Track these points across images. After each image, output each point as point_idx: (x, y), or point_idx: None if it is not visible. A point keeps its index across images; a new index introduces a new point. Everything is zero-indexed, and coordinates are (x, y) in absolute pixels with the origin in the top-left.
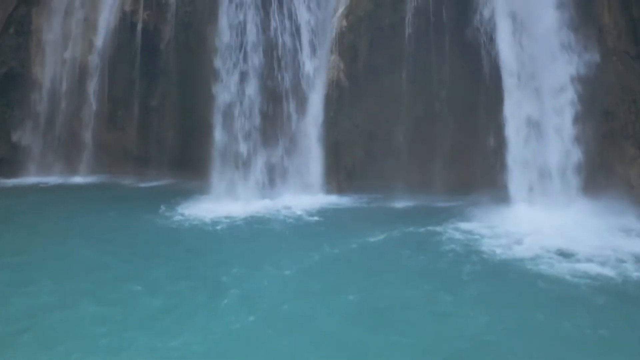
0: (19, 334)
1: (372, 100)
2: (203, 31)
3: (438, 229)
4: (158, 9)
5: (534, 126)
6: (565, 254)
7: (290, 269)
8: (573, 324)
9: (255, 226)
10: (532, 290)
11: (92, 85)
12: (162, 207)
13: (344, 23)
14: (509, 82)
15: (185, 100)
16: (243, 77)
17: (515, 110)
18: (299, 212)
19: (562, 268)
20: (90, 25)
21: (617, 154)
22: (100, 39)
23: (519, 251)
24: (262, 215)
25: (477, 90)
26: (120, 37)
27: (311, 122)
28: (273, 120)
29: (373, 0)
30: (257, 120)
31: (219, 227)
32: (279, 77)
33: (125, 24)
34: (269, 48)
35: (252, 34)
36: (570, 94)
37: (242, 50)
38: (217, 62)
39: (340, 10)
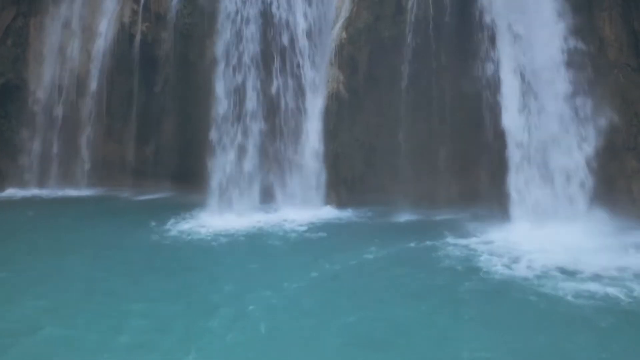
0: (3, 351)
1: (372, 112)
2: (202, 43)
3: (438, 244)
4: (157, 20)
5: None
6: (568, 273)
7: (288, 287)
8: (577, 347)
9: (254, 242)
10: (534, 311)
11: (90, 97)
12: (159, 222)
13: (344, 35)
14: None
15: (183, 112)
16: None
17: (517, 122)
18: (297, 227)
19: (566, 288)
20: (88, 37)
21: (619, 167)
22: (98, 51)
23: (521, 269)
24: (261, 230)
25: (479, 102)
26: (118, 49)
27: (311, 135)
28: (272, 132)
29: (373, 12)
30: (256, 132)
31: (216, 243)
32: (278, 86)
33: (123, 35)
34: (268, 58)
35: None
36: (572, 107)
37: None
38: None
39: (340, 22)
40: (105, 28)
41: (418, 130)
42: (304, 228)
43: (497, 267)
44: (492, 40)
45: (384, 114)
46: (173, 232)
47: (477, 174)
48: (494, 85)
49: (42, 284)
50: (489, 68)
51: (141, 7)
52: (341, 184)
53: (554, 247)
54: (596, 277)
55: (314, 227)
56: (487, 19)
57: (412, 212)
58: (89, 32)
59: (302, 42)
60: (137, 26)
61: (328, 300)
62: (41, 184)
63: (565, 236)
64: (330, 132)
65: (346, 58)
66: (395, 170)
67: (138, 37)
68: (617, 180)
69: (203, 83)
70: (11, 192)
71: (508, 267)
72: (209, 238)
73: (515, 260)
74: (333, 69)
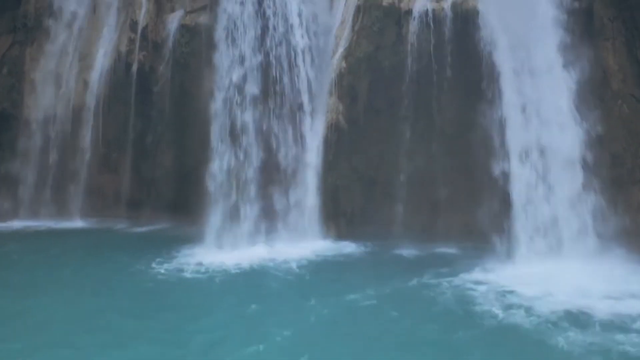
0: None
1: (372, 143)
2: (200, 72)
3: (436, 283)
4: (154, 49)
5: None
6: (578, 321)
7: (281, 333)
8: None
9: (249, 281)
10: None
11: (86, 127)
12: (153, 256)
13: (343, 65)
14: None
15: (180, 142)
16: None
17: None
18: (294, 263)
19: (572, 339)
20: (85, 66)
21: (626, 200)
22: (94, 80)
23: (522, 316)
24: (256, 266)
25: (481, 134)
26: (115, 78)
27: (309, 166)
28: (270, 164)
29: (373, 41)
30: (254, 165)
31: (210, 282)
32: (276, 118)
33: (120, 64)
34: (266, 88)
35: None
36: (575, 139)
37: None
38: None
39: (340, 51)
40: (102, 57)
41: (419, 162)
42: (301, 264)
43: (497, 312)
44: (494, 71)
45: (384, 145)
46: (166, 268)
47: (479, 207)
48: (497, 117)
49: (14, 325)
50: (492, 100)
51: (139, 35)
52: (340, 216)
53: (558, 289)
54: (609, 325)
55: (312, 264)
56: (488, 50)
57: (412, 246)
58: (85, 61)
59: (302, 71)
60: (134, 55)
61: (319, 349)
62: (34, 215)
63: (570, 276)
64: (329, 164)
65: (346, 88)
66: (395, 203)
67: (135, 66)
68: (623, 215)
69: (200, 113)
70: (2, 224)
71: (509, 312)
72: (203, 276)
73: (517, 304)
74: (332, 99)
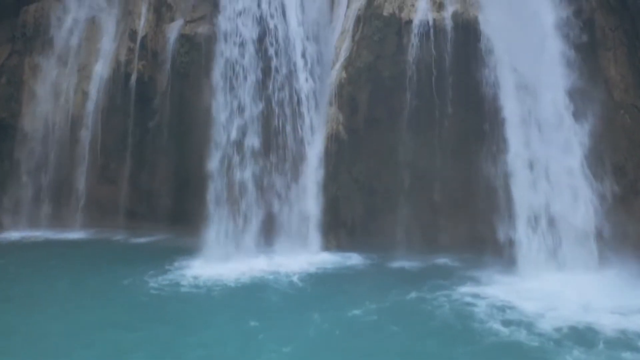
0: None
1: (372, 153)
2: (199, 82)
3: (437, 297)
4: (153, 59)
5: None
6: (583, 338)
7: (279, 349)
8: None
9: (248, 294)
10: None
11: (84, 137)
12: (151, 268)
13: (344, 75)
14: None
15: (179, 152)
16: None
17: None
18: (294, 275)
19: (581, 358)
20: (84, 75)
21: (628, 212)
22: (93, 90)
23: (523, 332)
24: (256, 278)
25: (483, 144)
26: (113, 88)
27: (309, 177)
28: (270, 175)
29: (373, 51)
30: (253, 175)
31: (208, 296)
32: (276, 128)
33: (119, 74)
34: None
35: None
36: (578, 150)
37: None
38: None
39: (340, 62)
40: (101, 67)
41: (420, 172)
42: (301, 277)
43: (498, 328)
44: (496, 81)
45: (384, 156)
46: (163, 281)
47: (482, 218)
48: (498, 127)
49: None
50: (493, 110)
51: (138, 45)
52: (340, 227)
53: (562, 304)
54: (613, 345)
55: (312, 277)
56: (490, 60)
57: (413, 257)
58: (84, 71)
59: (302, 83)
60: (134, 65)
61: None
62: (32, 225)
63: (574, 290)
64: (330, 174)
65: (346, 98)
66: (396, 213)
67: (134, 76)
68: (626, 226)
69: (199, 122)
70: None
71: (510, 327)
72: (201, 289)
73: (519, 320)
74: (332, 110)
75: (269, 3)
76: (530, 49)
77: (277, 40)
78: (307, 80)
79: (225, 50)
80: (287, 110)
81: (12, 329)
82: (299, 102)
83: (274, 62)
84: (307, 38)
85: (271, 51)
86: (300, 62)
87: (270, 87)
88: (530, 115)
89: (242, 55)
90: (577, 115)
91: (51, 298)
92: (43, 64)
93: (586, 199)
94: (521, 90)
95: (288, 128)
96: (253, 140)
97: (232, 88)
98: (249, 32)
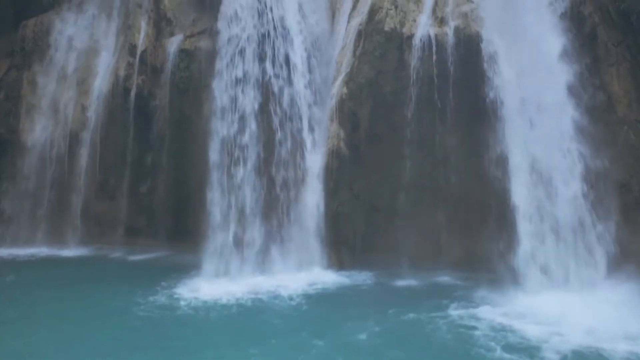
0: None
1: (373, 169)
2: (199, 97)
3: (438, 317)
4: (153, 73)
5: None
6: None
7: None
8: None
9: (245, 314)
10: None
11: (83, 152)
12: (149, 287)
13: (345, 90)
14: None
15: (179, 168)
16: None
17: (526, 185)
18: (295, 295)
19: None
20: (82, 90)
21: (634, 229)
22: (92, 105)
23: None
24: (256, 299)
25: (485, 160)
26: (113, 103)
27: (310, 194)
28: (270, 192)
29: (374, 67)
30: (253, 191)
31: (205, 315)
32: (277, 143)
33: (118, 89)
34: (265, 113)
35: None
36: (582, 166)
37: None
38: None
39: (341, 77)
40: (100, 81)
41: (422, 188)
42: (302, 298)
43: (500, 355)
44: (498, 96)
45: (386, 172)
46: (161, 301)
47: (484, 235)
48: (501, 142)
49: None
50: (496, 126)
51: (137, 60)
52: (342, 244)
53: (567, 328)
54: None
55: (313, 297)
56: (492, 75)
57: (414, 275)
58: (83, 86)
59: (302, 99)
60: (133, 79)
61: None
62: (30, 241)
63: (579, 312)
64: (331, 191)
65: (347, 114)
66: (398, 230)
67: (133, 91)
68: (632, 243)
69: (199, 137)
70: None
71: (513, 354)
72: (199, 310)
73: (521, 345)
74: (333, 125)
75: (269, 19)
76: (532, 64)
77: (277, 58)
78: (307, 96)
79: (225, 66)
80: (288, 126)
81: (5, 351)
82: (299, 118)
83: (274, 81)
84: (308, 55)
85: (270, 70)
86: (300, 78)
87: (271, 104)
88: (533, 131)
89: (241, 78)
90: (581, 131)
91: (45, 319)
92: (42, 78)
93: (591, 216)
94: (523, 105)
95: (289, 144)
96: (253, 156)
97: (232, 104)
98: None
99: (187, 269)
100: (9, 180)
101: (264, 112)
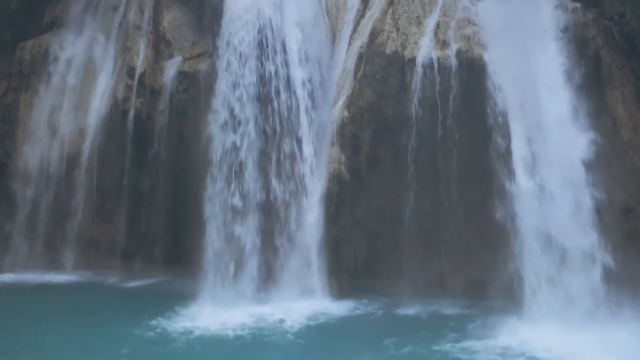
0: None
1: (375, 194)
2: (198, 120)
3: (441, 350)
4: (151, 96)
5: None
6: None
7: None
8: None
9: (245, 348)
10: None
11: (80, 175)
12: (144, 317)
13: (345, 114)
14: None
15: (177, 191)
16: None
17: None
18: (295, 326)
19: None
20: (80, 112)
21: (639, 256)
22: (90, 127)
23: None
24: (255, 329)
25: (489, 186)
26: (110, 125)
27: (310, 219)
28: (269, 217)
29: (376, 90)
30: (252, 217)
31: (201, 351)
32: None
33: (116, 111)
34: (265, 144)
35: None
36: (587, 192)
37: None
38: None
39: (341, 100)
40: (98, 104)
41: (424, 214)
42: (303, 328)
43: None
44: (503, 120)
45: (388, 196)
46: (156, 333)
47: (489, 262)
48: (506, 167)
49: None
50: (500, 150)
51: (136, 82)
52: (343, 271)
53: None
54: None
55: (314, 328)
56: (496, 99)
57: (417, 303)
58: (81, 109)
59: (302, 122)
60: (131, 102)
61: None
62: (26, 266)
63: (588, 341)
64: (331, 216)
65: (348, 138)
66: (400, 257)
67: (132, 113)
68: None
69: (198, 161)
70: None
71: None
72: (195, 344)
73: None
74: (334, 149)
75: (269, 41)
76: (535, 87)
77: (278, 81)
78: (308, 119)
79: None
80: (287, 150)
81: None
82: (299, 142)
83: (273, 105)
84: (309, 78)
85: (271, 94)
86: (301, 100)
87: (270, 127)
88: (539, 155)
89: (241, 102)
90: (586, 155)
91: (35, 351)
92: (39, 100)
93: (596, 243)
94: (528, 128)
95: (288, 168)
96: (252, 181)
97: (231, 127)
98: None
99: (184, 296)
100: (5, 203)
101: (263, 135)
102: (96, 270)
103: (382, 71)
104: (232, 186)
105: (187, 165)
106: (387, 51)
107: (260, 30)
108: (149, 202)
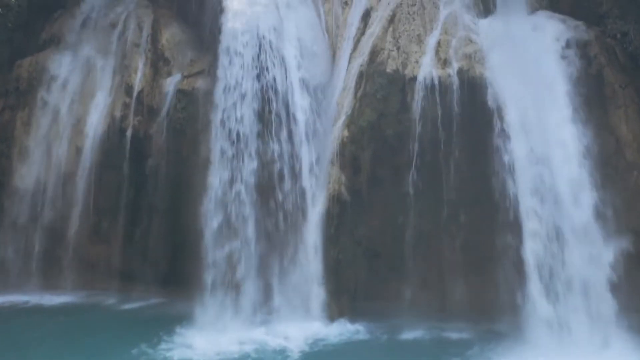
0: None
1: (376, 215)
2: (196, 139)
3: None
4: (149, 114)
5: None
6: None
7: None
8: None
9: None
10: None
11: (77, 195)
12: (138, 341)
13: (346, 133)
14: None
15: (175, 211)
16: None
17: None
18: (295, 351)
19: None
20: (77, 131)
21: None
22: (87, 146)
23: None
24: (253, 353)
25: (492, 206)
26: (108, 144)
27: (310, 240)
28: (268, 238)
29: (376, 109)
30: (251, 239)
31: None
32: (276, 193)
33: (114, 129)
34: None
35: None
36: (591, 213)
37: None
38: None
39: (341, 119)
40: (95, 122)
41: (425, 235)
42: (301, 353)
43: None
44: (505, 140)
45: (388, 217)
46: (151, 357)
47: (492, 284)
48: (508, 187)
49: None
50: (503, 170)
51: (134, 100)
52: (343, 293)
53: None
54: None
55: (314, 354)
56: (498, 118)
57: (421, 325)
58: (78, 126)
59: (302, 141)
60: (129, 120)
61: None
62: (21, 287)
63: None
64: (331, 237)
65: (348, 158)
66: (401, 278)
67: (129, 132)
68: None
69: (196, 180)
70: None
71: None
72: None
73: None
74: (334, 169)
75: (268, 58)
76: (537, 106)
77: (277, 100)
78: (307, 139)
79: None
80: (287, 170)
81: None
82: (299, 161)
83: (273, 124)
84: (309, 94)
85: (271, 113)
86: (300, 121)
87: (269, 147)
88: (542, 177)
89: (240, 121)
90: (590, 176)
91: None
92: (36, 119)
93: (602, 264)
94: (531, 148)
95: (288, 188)
96: (251, 203)
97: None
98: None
99: (181, 319)
100: (1, 223)
101: (262, 154)
102: (92, 292)
103: (382, 90)
104: (231, 207)
105: (185, 185)
106: (388, 70)
107: (259, 49)
108: (146, 222)
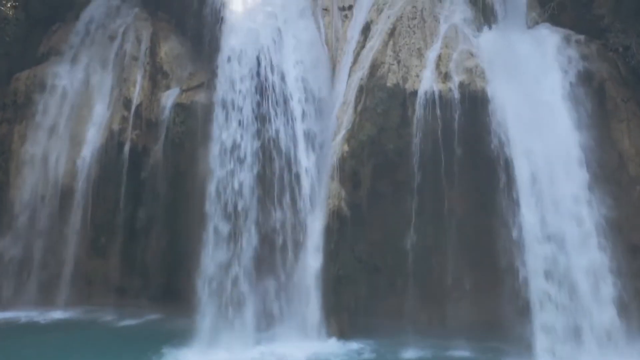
0: None
1: (376, 230)
2: (195, 153)
3: None
4: (148, 128)
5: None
6: None
7: None
8: None
9: None
10: None
11: (74, 209)
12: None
13: (345, 148)
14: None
15: (173, 226)
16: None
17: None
18: None
19: None
20: (75, 144)
21: None
22: (85, 160)
23: None
24: None
25: (493, 220)
26: (106, 158)
27: (309, 256)
28: (268, 255)
29: (376, 124)
30: (251, 255)
31: None
32: (276, 209)
33: (112, 143)
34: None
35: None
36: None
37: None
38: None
39: (341, 134)
40: (93, 136)
41: (427, 250)
42: None
43: None
44: (507, 155)
45: (389, 232)
46: None
47: (494, 300)
48: (510, 202)
49: None
50: (504, 185)
51: (132, 114)
52: (343, 310)
53: None
54: None
55: None
56: (499, 133)
57: (421, 343)
58: (75, 140)
59: (301, 156)
60: (127, 134)
61: None
62: (17, 303)
63: None
64: (331, 253)
65: (348, 172)
66: (402, 294)
67: (127, 146)
68: None
69: (195, 194)
70: None
71: None
72: None
73: None
74: (334, 184)
75: (267, 72)
76: (539, 121)
77: (276, 114)
78: (307, 154)
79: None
80: (287, 185)
81: None
82: (298, 177)
83: (272, 139)
84: (308, 108)
85: (270, 127)
86: (300, 135)
87: (268, 163)
88: (544, 191)
89: (239, 135)
90: (592, 191)
91: None
92: (33, 132)
93: (604, 279)
94: (533, 162)
95: (286, 203)
96: (250, 219)
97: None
98: (247, 108)
99: (178, 337)
100: None
101: (261, 170)
102: (89, 308)
103: (382, 104)
104: (230, 222)
105: (184, 199)
106: (388, 84)
107: (258, 62)
108: (144, 237)
